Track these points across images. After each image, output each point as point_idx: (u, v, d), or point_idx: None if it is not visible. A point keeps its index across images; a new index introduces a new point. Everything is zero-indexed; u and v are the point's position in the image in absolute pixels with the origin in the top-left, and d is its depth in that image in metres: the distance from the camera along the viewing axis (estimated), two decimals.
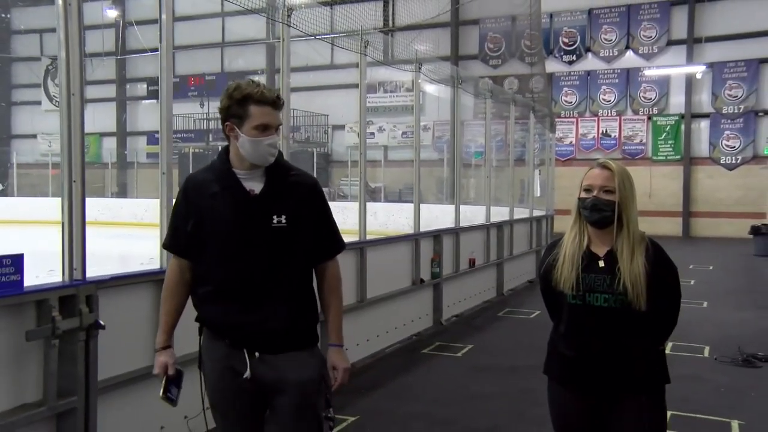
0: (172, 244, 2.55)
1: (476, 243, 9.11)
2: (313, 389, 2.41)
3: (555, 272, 2.47)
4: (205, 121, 27.44)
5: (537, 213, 12.54)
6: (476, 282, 9.07)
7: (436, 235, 7.72)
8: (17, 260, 3.04)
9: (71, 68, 3.29)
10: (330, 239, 2.55)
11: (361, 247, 6.09)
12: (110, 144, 30.74)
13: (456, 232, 8.38)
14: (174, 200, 2.66)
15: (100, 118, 30.74)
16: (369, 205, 18.48)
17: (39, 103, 30.41)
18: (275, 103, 2.40)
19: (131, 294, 3.71)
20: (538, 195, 13.34)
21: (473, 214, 9.66)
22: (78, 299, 3.24)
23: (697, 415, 4.69)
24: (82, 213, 3.39)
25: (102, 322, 3.31)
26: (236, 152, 2.42)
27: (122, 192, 27.57)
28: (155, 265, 4.08)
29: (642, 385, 2.40)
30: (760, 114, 21.95)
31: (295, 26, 5.01)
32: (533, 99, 13.96)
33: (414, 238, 7.22)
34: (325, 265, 2.53)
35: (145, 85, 30.21)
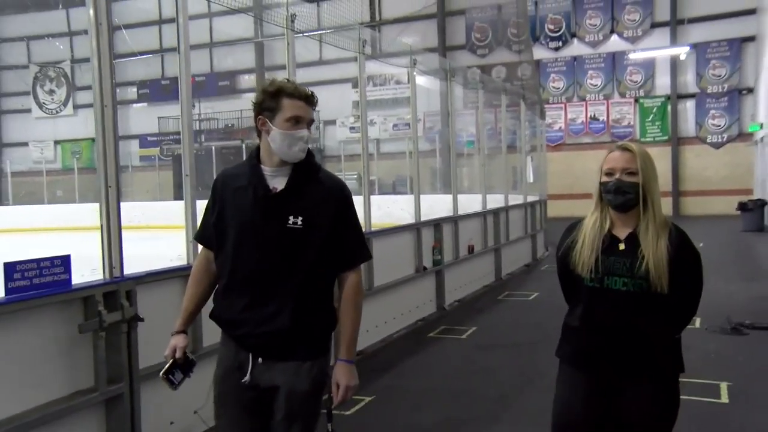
0: (199, 234, 2.61)
1: (474, 230, 9.45)
2: (302, 401, 2.37)
3: (573, 255, 2.43)
4: (196, 122, 27.65)
5: (531, 199, 12.88)
6: (476, 268, 9.41)
7: (437, 224, 8.04)
8: (66, 260, 3.34)
9: (103, 81, 3.59)
10: (352, 248, 2.48)
11: (367, 237, 6.40)
12: None
13: (455, 220, 8.71)
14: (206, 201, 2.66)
15: (92, 122, 30.87)
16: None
17: (29, 110, 30.50)
18: (308, 98, 2.40)
19: (163, 289, 4.01)
20: (531, 181, 13.67)
21: (468, 203, 9.97)
22: (119, 294, 3.54)
23: (689, 379, 5.03)
24: (118, 215, 3.69)
25: (141, 315, 3.62)
26: (266, 148, 2.42)
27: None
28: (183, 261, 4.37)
29: (656, 373, 2.36)
30: (744, 92, 22.37)
31: (299, 31, 5.27)
32: (522, 87, 14.28)
33: (416, 227, 7.54)
34: (345, 275, 2.47)
35: (135, 89, 30.37)
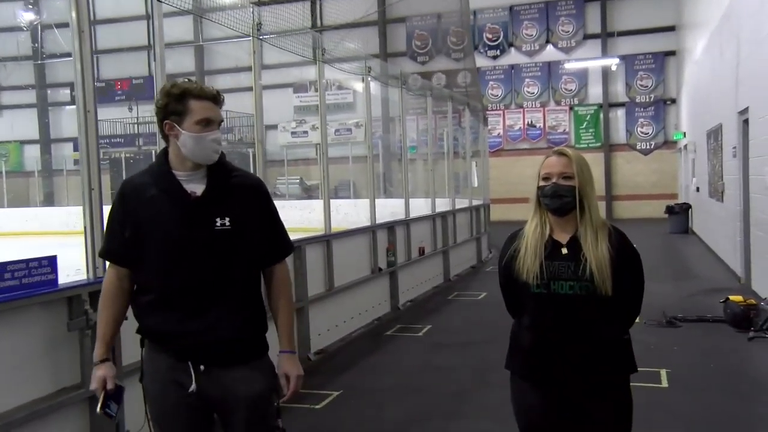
0: (108, 251, 2.40)
1: (424, 233, 9.76)
2: (264, 403, 2.34)
3: (517, 263, 2.42)
4: (134, 125, 27.06)
5: (475, 202, 13.32)
6: (426, 269, 9.71)
7: (390, 227, 8.29)
8: (52, 261, 3.41)
9: (86, 88, 3.66)
10: (277, 241, 2.45)
11: (327, 239, 6.60)
12: (33, 152, 29.79)
13: (407, 223, 8.99)
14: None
15: (20, 124, 29.79)
16: (307, 202, 18.55)
17: None
18: (215, 98, 2.32)
19: None
20: (476, 185, 14.12)
21: (413, 207, 10.24)
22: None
23: None
24: (101, 217, 3.75)
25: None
26: (176, 152, 2.31)
27: (49, 200, 26.84)
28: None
29: (608, 376, 2.37)
30: (668, 102, 23.65)
31: (266, 40, 5.40)
32: (467, 94, 14.72)
33: (371, 230, 7.77)
34: (272, 269, 2.43)
35: (68, 90, 29.45)
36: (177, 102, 2.27)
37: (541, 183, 2.42)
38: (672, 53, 23.11)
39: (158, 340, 2.34)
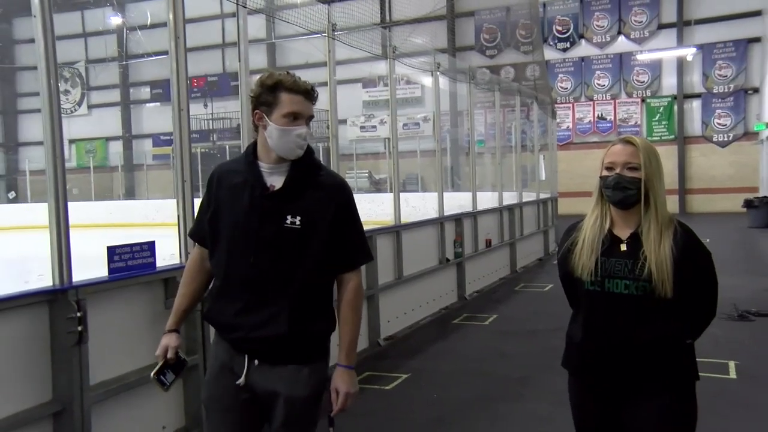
0: (193, 231, 2.51)
1: (491, 225, 9.90)
2: (301, 408, 2.28)
3: (573, 257, 2.28)
4: (209, 121, 28.14)
5: (543, 196, 13.33)
6: (493, 260, 9.86)
7: (458, 219, 8.49)
8: (151, 246, 3.80)
9: (180, 87, 4.03)
10: (352, 249, 2.37)
11: (397, 230, 6.87)
12: (116, 148, 31.42)
13: (474, 215, 9.16)
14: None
15: (105, 122, 31.48)
16: (376, 196, 18.88)
17: None
18: (308, 93, 2.28)
19: None
20: (544, 179, 14.11)
21: (481, 200, 10.38)
22: None
23: (699, 359, 5.48)
24: (192, 207, 4.11)
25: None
26: (263, 143, 2.30)
27: (130, 194, 28.24)
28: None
29: (666, 382, 2.20)
30: (750, 92, 22.75)
31: (339, 39, 5.65)
32: (535, 87, 14.70)
33: (439, 222, 8.00)
34: (343, 276, 2.36)
35: (149, 89, 30.90)
36: (269, 93, 2.26)
37: (604, 173, 2.25)
38: (757, 40, 22.21)
39: (217, 327, 2.38)
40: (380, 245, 6.46)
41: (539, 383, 5.28)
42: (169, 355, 2.41)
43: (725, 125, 22.96)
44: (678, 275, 2.14)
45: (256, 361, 2.26)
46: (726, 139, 22.97)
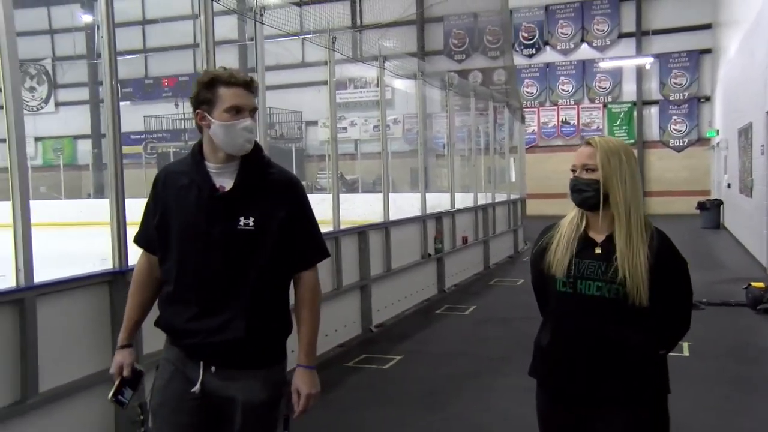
0: (139, 237, 2.38)
1: (468, 223, 10.59)
2: (260, 412, 2.21)
3: (548, 255, 2.24)
4: (180, 120, 28.30)
5: (513, 197, 14.09)
6: (469, 257, 10.55)
7: (438, 217, 9.14)
8: None
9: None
10: (308, 246, 2.30)
11: (386, 226, 7.48)
12: (85, 146, 31.29)
13: (452, 214, 9.82)
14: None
15: (74, 120, 31.31)
16: (347, 196, 19.48)
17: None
18: (247, 84, 2.20)
19: None
20: (514, 180, 14.87)
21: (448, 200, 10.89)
22: None
23: None
24: (123, 210, 4.07)
25: None
26: (209, 143, 2.22)
27: (99, 192, 28.22)
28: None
29: (635, 394, 2.13)
30: (702, 100, 24.03)
31: (267, 24, 5.61)
32: (506, 93, 15.45)
33: (422, 219, 8.63)
34: (300, 275, 2.28)
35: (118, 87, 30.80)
36: (206, 90, 2.18)
37: (571, 175, 2.24)
38: (708, 51, 23.45)
39: (171, 334, 2.29)
40: (371, 240, 7.05)
41: (519, 362, 5.76)
42: (125, 373, 2.31)
43: (681, 131, 24.21)
44: (654, 284, 2.09)
45: (213, 368, 2.19)
46: (681, 144, 24.21)
